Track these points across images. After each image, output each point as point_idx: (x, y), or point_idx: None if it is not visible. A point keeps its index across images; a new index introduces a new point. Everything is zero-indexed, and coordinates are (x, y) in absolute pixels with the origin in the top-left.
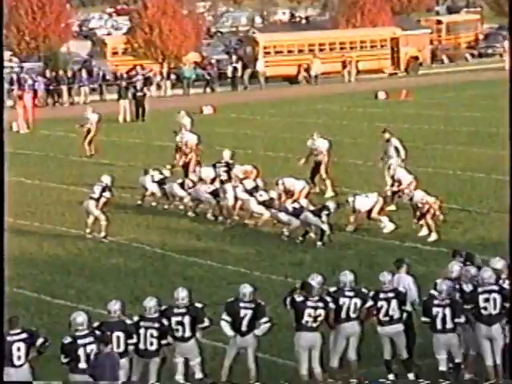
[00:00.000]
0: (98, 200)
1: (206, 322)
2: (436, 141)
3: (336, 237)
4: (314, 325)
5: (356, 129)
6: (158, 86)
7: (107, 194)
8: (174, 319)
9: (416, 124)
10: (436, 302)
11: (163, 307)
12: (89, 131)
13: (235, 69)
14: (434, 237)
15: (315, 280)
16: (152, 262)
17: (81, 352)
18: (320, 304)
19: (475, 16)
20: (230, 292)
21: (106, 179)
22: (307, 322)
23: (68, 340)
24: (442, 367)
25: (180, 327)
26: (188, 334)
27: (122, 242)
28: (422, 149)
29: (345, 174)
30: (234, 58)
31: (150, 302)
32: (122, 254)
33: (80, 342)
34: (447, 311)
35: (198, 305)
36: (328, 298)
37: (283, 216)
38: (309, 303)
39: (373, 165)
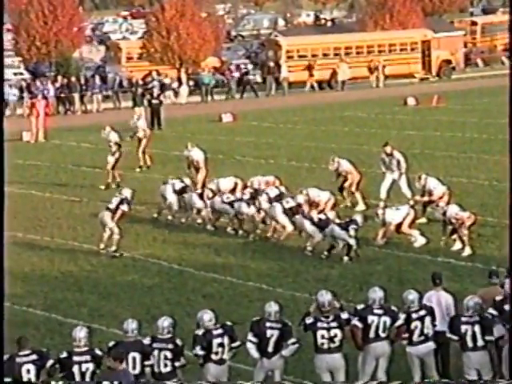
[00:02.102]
0: (114, 212)
1: (239, 342)
2: (470, 149)
3: (364, 251)
4: (332, 346)
5: (384, 137)
6: (176, 93)
7: (124, 207)
8: (215, 341)
9: (448, 132)
10: (464, 319)
11: (201, 331)
12: (140, 140)
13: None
14: (467, 251)
15: (324, 297)
16: (169, 278)
17: (75, 369)
18: (334, 324)
19: None
20: (252, 310)
21: (126, 192)
22: (322, 344)
23: (64, 355)
24: None
25: (220, 349)
26: (226, 355)
27: (137, 257)
28: (456, 158)
29: (373, 185)
30: (247, 63)
31: (165, 322)
32: (137, 271)
33: (76, 358)
34: (477, 328)
35: (229, 323)
36: (344, 316)
37: (308, 225)
38: (319, 324)
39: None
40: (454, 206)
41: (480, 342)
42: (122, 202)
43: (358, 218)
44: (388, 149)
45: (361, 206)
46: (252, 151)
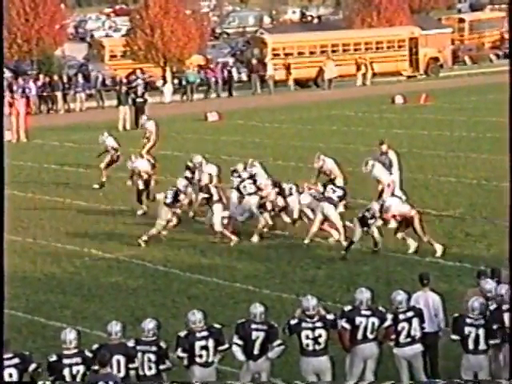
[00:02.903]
0: (171, 205)
1: (227, 345)
2: (458, 148)
3: (351, 252)
4: (318, 347)
5: (372, 136)
6: (160, 92)
7: (182, 198)
8: (198, 344)
9: (436, 130)
10: (469, 320)
11: (184, 333)
12: (148, 140)
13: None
14: (439, 250)
15: (309, 302)
16: (154, 279)
17: (66, 372)
18: (319, 324)
19: (500, 13)
20: (238, 312)
21: (180, 183)
22: (307, 345)
23: (53, 358)
24: None
25: (204, 352)
26: (211, 358)
27: (121, 258)
28: (444, 157)
29: (361, 184)
30: (231, 60)
31: (149, 324)
32: (121, 272)
33: (66, 361)
34: (481, 331)
35: (217, 326)
36: (330, 316)
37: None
38: (304, 324)
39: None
40: (393, 199)
41: (482, 346)
42: (177, 193)
43: (375, 206)
44: (384, 147)
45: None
46: (238, 150)
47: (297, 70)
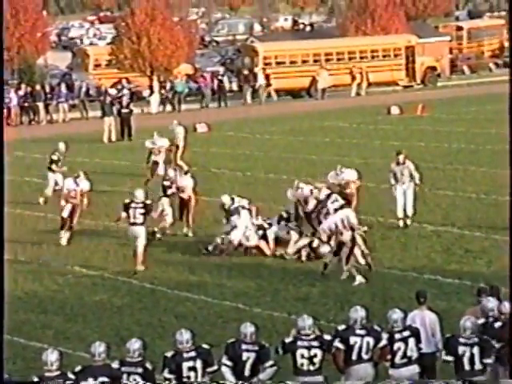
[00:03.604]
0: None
1: (216, 366)
2: (457, 161)
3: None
4: (312, 368)
5: (367, 148)
6: (146, 102)
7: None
8: (185, 365)
9: (434, 142)
10: (462, 340)
11: (171, 353)
12: (177, 147)
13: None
14: (359, 280)
15: (305, 322)
16: (140, 298)
17: None
18: (315, 343)
19: (500, 21)
20: (227, 331)
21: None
22: (302, 364)
23: (35, 380)
24: None
25: (192, 373)
26: (200, 380)
27: (106, 275)
28: (442, 170)
29: (357, 198)
30: (222, 69)
31: (135, 345)
32: (106, 290)
33: None
34: (475, 350)
35: (205, 346)
36: (327, 337)
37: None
38: (299, 343)
39: (387, 188)
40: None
41: (478, 365)
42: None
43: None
44: (401, 157)
45: None
46: (228, 163)
47: (289, 80)
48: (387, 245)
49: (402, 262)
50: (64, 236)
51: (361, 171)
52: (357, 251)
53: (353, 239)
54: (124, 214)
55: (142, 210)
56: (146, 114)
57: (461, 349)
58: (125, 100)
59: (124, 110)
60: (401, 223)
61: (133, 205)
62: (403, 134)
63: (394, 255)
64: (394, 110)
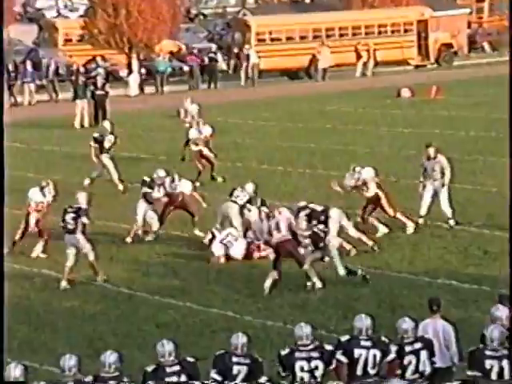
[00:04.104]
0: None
1: (199, 382)
2: (475, 150)
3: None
4: (314, 382)
5: (373, 135)
6: (124, 83)
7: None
8: (168, 380)
9: (449, 129)
10: (489, 352)
11: (152, 367)
12: (190, 125)
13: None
14: (318, 284)
15: (302, 330)
16: (116, 304)
17: None
18: (315, 354)
19: None
20: (215, 342)
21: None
22: (302, 378)
23: None
24: None
25: None
26: None
27: (78, 279)
28: (458, 160)
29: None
30: (214, 46)
31: (110, 357)
32: (77, 295)
33: None
34: (505, 363)
35: (190, 359)
36: (328, 347)
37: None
38: (298, 354)
39: (395, 181)
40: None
41: (508, 380)
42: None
43: None
44: (432, 151)
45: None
46: (216, 152)
47: (285, 58)
48: (396, 245)
49: (413, 264)
50: (37, 248)
51: (366, 162)
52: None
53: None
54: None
55: (73, 215)
56: (124, 97)
57: (488, 362)
58: (99, 80)
59: (98, 92)
60: (420, 221)
61: (69, 209)
62: (414, 120)
63: (403, 257)
64: (405, 93)
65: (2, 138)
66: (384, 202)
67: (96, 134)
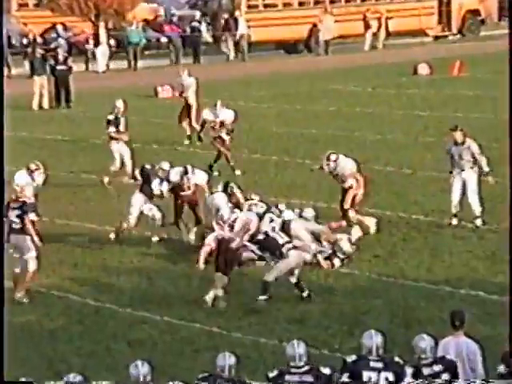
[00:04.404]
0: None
1: None
2: (505, 136)
3: (356, 279)
4: None
5: (385, 120)
6: (92, 56)
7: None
8: None
9: (475, 112)
10: None
11: None
12: (189, 106)
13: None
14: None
15: (295, 348)
16: (81, 318)
17: None
18: (308, 378)
19: None
20: (198, 363)
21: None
22: None
23: None
24: None
25: None
26: None
27: (35, 288)
28: (486, 148)
29: (370, 186)
30: (197, 14)
31: (76, 379)
32: (35, 308)
33: None
34: None
35: (170, 383)
36: (325, 370)
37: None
38: (288, 377)
39: (411, 173)
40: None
41: None
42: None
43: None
44: (458, 135)
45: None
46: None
47: (281, 28)
48: (412, 249)
49: (432, 271)
50: None
51: (377, 151)
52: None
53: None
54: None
55: (18, 212)
56: (90, 73)
57: None
58: (60, 53)
59: (59, 67)
60: (453, 221)
61: (12, 203)
62: (434, 101)
63: (420, 263)
64: (422, 69)
65: (2, 139)
66: (350, 195)
67: (110, 116)
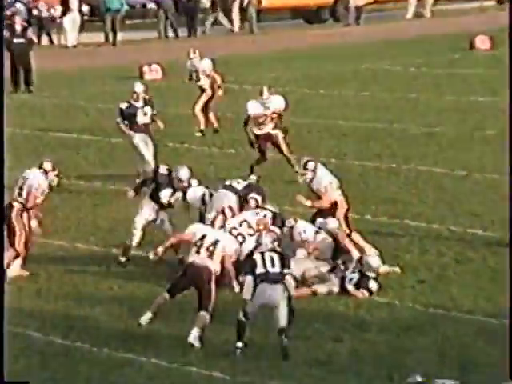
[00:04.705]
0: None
1: None
2: None
3: (395, 311)
4: None
5: (433, 107)
6: (59, 27)
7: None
8: None
9: None
10: None
11: None
12: (203, 91)
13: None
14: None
15: None
16: (46, 361)
17: None
18: None
19: None
20: None
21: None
22: None
23: None
24: None
25: None
26: None
27: None
28: None
29: (413, 191)
30: None
31: None
32: None
33: None
34: None
35: None
36: None
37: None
38: None
39: (465, 176)
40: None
41: None
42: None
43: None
44: None
45: None
46: (194, 131)
47: None
48: (466, 272)
49: (492, 301)
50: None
51: (422, 147)
52: None
53: None
54: None
55: None
56: (57, 48)
57: None
58: (18, 22)
59: (17, 40)
60: None
61: None
62: (496, 84)
63: (479, 290)
64: (481, 43)
65: (2, 139)
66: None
67: (123, 105)
